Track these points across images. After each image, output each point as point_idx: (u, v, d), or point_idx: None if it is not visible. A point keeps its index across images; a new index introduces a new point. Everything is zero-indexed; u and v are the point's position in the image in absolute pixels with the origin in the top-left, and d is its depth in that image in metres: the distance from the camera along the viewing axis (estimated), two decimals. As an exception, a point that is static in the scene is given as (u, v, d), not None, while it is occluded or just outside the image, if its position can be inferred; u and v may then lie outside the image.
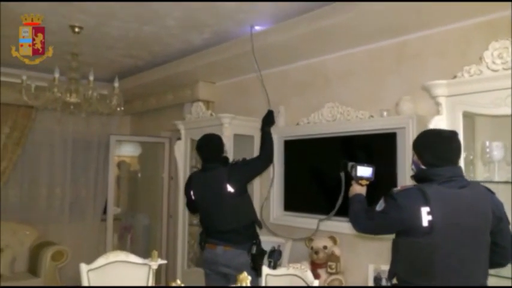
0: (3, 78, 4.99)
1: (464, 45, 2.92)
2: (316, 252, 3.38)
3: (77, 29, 3.63)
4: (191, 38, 3.92)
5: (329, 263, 3.32)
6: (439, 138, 2.03)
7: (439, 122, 2.49)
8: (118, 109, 3.82)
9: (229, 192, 3.09)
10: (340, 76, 3.69)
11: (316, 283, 2.26)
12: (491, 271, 2.09)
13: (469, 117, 2.58)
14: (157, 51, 4.32)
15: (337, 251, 3.36)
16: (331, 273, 3.30)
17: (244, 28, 3.58)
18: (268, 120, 3.50)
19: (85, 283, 2.57)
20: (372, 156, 3.32)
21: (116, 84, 3.75)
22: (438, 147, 1.99)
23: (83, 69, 3.74)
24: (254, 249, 3.11)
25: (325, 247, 3.40)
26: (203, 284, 3.98)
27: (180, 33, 3.79)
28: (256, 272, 2.98)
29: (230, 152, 4.04)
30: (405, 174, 3.04)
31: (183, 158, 4.53)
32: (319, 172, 3.75)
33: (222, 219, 3.11)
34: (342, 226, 3.38)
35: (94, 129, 6.05)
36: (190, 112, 4.54)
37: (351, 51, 3.59)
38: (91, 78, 3.58)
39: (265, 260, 3.85)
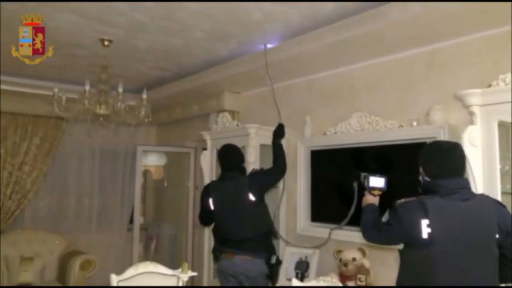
0: (34, 91, 5.12)
1: (497, 53, 2.85)
2: (345, 264, 3.33)
3: (106, 42, 3.70)
4: (217, 49, 3.95)
5: (358, 276, 3.26)
6: (440, 151, 2.05)
7: (473, 132, 2.43)
8: (146, 120, 3.86)
9: (250, 201, 3.16)
10: (367, 85, 3.65)
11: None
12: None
13: (504, 127, 2.51)
14: (184, 62, 4.37)
15: (366, 263, 3.30)
16: (360, 286, 3.24)
17: (270, 39, 3.59)
18: (279, 133, 3.57)
19: (115, 294, 2.58)
20: (401, 167, 3.26)
21: (144, 96, 3.80)
22: (439, 159, 2.01)
23: (112, 81, 3.82)
24: (274, 259, 3.18)
25: (354, 259, 3.34)
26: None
27: (207, 45, 3.82)
28: (272, 280, 3.13)
29: (256, 163, 4.04)
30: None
31: (209, 168, 4.55)
32: (347, 182, 3.69)
33: (241, 228, 3.15)
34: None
35: (121, 140, 6.15)
36: (216, 122, 4.57)
37: (379, 60, 3.56)
38: (120, 90, 3.64)
39: (293, 271, 3.83)
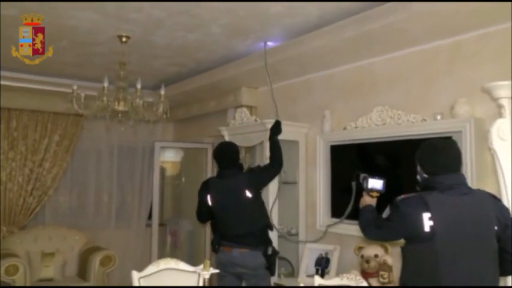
0: (54, 88, 5.16)
1: (525, 43, 2.76)
2: (367, 261, 3.28)
3: (124, 39, 3.69)
4: (235, 44, 3.91)
5: (381, 273, 3.21)
6: (437, 148, 2.13)
7: (502, 125, 2.36)
8: (164, 116, 3.85)
9: (248, 197, 3.27)
10: (389, 79, 3.57)
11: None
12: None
13: (534, 120, 2.43)
14: (201, 58, 4.34)
15: (389, 259, 3.24)
16: (383, 283, 3.18)
17: (288, 33, 3.54)
18: (276, 130, 3.65)
19: (137, 290, 2.58)
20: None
21: (162, 92, 3.78)
22: (437, 157, 2.08)
23: (129, 78, 3.81)
24: (270, 251, 3.29)
25: (376, 256, 3.29)
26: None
27: (224, 40, 3.79)
28: (270, 271, 3.27)
29: (275, 158, 3.99)
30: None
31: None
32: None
33: (240, 223, 3.26)
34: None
35: (139, 136, 6.18)
36: (234, 118, 4.54)
37: (401, 53, 3.47)
38: (138, 86, 3.63)
39: (313, 268, 3.79)
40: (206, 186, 3.46)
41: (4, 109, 5.28)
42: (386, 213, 2.19)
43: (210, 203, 3.37)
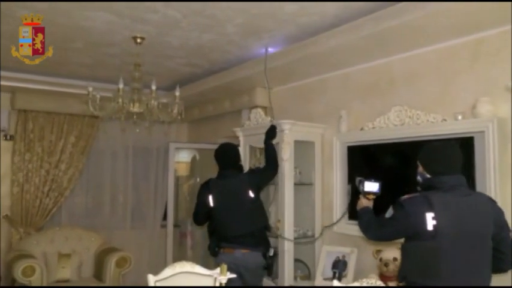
0: (69, 90, 5.19)
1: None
2: (386, 264, 3.20)
3: (139, 40, 3.68)
4: (249, 44, 3.87)
5: (400, 276, 3.12)
6: (442, 149, 2.24)
7: (528, 125, 2.26)
8: (179, 117, 3.83)
9: (250, 198, 3.35)
10: (407, 78, 3.49)
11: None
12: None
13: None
14: (216, 58, 4.31)
15: (408, 263, 3.16)
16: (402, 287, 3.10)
17: (304, 32, 3.48)
18: (271, 134, 3.76)
19: (153, 294, 2.55)
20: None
21: (177, 93, 3.76)
22: (442, 157, 2.18)
23: (144, 79, 3.80)
24: (272, 252, 3.39)
25: (395, 259, 3.21)
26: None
27: (239, 40, 3.75)
28: (268, 271, 3.38)
29: (291, 159, 3.95)
30: (485, 181, 2.82)
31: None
32: (387, 179, 3.55)
33: (242, 223, 3.31)
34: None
35: (153, 137, 6.19)
36: (249, 118, 4.50)
37: (419, 51, 3.39)
38: (153, 87, 3.62)
39: (330, 271, 3.73)
40: (207, 187, 3.48)
41: (21, 111, 5.33)
42: (389, 213, 2.28)
43: (211, 203, 3.39)
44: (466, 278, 2.03)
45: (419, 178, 2.29)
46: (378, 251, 3.35)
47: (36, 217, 5.34)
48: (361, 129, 3.73)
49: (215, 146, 5.86)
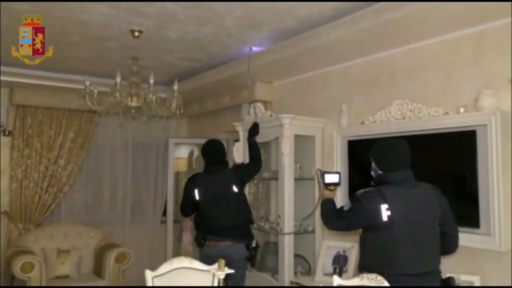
0: (67, 85, 5.15)
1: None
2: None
3: (136, 33, 3.63)
4: (249, 38, 3.82)
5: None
6: (391, 147, 2.40)
7: (533, 118, 2.21)
8: (177, 112, 3.79)
9: (235, 192, 3.49)
10: (408, 71, 3.44)
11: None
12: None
13: None
14: (215, 52, 4.26)
15: (410, 258, 3.12)
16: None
17: (305, 25, 3.43)
18: (254, 131, 3.94)
19: (150, 290, 2.52)
20: (446, 156, 3.07)
21: (176, 87, 3.72)
22: (391, 155, 2.35)
23: (142, 73, 3.75)
24: (254, 243, 3.50)
25: (396, 254, 3.17)
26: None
27: (238, 33, 3.70)
28: (251, 262, 3.53)
29: (291, 154, 3.91)
30: (488, 175, 2.78)
31: (241, 160, 4.44)
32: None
33: (227, 216, 3.44)
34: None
35: (152, 133, 6.14)
36: (249, 113, 4.46)
37: (421, 44, 3.34)
38: (151, 81, 3.57)
39: (330, 266, 3.70)
40: (194, 181, 3.60)
41: (19, 106, 5.29)
42: (347, 205, 2.43)
43: (197, 197, 3.51)
44: (418, 263, 2.22)
45: (372, 173, 2.47)
46: (379, 246, 3.31)
47: (35, 213, 5.32)
48: (362, 123, 3.68)
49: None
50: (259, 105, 4.35)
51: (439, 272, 2.33)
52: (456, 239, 2.38)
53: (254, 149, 3.81)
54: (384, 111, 3.49)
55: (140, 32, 3.63)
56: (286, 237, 3.87)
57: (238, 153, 4.46)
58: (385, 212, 2.21)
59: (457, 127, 2.97)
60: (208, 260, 3.24)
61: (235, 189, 3.49)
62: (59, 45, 4.02)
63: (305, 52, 3.74)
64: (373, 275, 2.21)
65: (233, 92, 5.21)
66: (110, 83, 3.96)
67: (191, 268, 2.65)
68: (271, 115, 4.12)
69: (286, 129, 3.89)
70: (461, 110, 2.96)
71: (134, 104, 3.64)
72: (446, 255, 2.45)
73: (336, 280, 2.34)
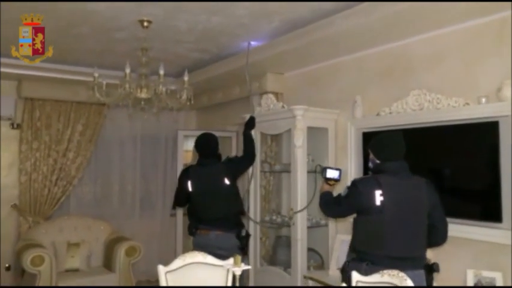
0: (75, 77, 5.09)
1: None
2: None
3: (145, 23, 3.55)
4: (260, 28, 3.72)
5: (419, 267, 3.01)
6: (389, 139, 2.58)
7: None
8: (188, 103, 3.72)
9: (226, 184, 3.56)
10: (426, 61, 3.33)
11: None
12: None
13: None
14: (225, 43, 4.17)
15: (429, 254, 3.03)
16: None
17: (318, 14, 3.33)
18: (250, 124, 4.04)
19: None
20: (466, 149, 2.97)
21: (186, 78, 3.64)
22: (388, 146, 2.53)
23: (151, 65, 3.68)
24: (244, 232, 3.58)
25: (414, 249, 3.09)
26: (277, 283, 3.84)
27: (249, 23, 3.60)
28: (243, 251, 3.55)
29: (304, 146, 3.83)
30: (510, 168, 2.68)
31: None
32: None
33: (217, 207, 3.50)
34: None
35: (161, 125, 6.09)
36: (260, 104, 4.37)
37: (439, 32, 3.23)
38: (161, 72, 3.49)
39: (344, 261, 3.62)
40: (186, 173, 3.69)
41: (27, 99, 5.24)
42: (345, 192, 2.59)
43: (190, 188, 3.59)
44: (404, 247, 2.38)
45: (370, 164, 2.65)
46: (395, 241, 3.23)
47: (45, 206, 5.29)
48: (377, 114, 3.59)
49: (225, 134, 5.86)
50: (271, 96, 4.26)
51: (423, 259, 2.47)
52: (444, 231, 2.52)
53: (249, 142, 3.89)
54: (401, 102, 3.39)
55: (149, 22, 3.55)
56: (299, 231, 3.80)
57: (250, 146, 4.37)
58: (378, 197, 2.37)
59: (478, 118, 2.87)
60: (198, 248, 3.36)
61: (226, 181, 3.56)
62: (67, 37, 3.96)
63: (317, 42, 3.64)
64: (395, 272, 2.14)
65: (243, 84, 5.09)
66: (118, 75, 3.89)
67: (204, 263, 2.59)
68: (283, 106, 4.03)
69: (299, 121, 3.80)
70: (483, 100, 2.86)
71: (144, 95, 3.58)
72: (434, 246, 2.59)
73: (355, 276, 2.27)
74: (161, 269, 2.49)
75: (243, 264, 2.04)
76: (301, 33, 3.64)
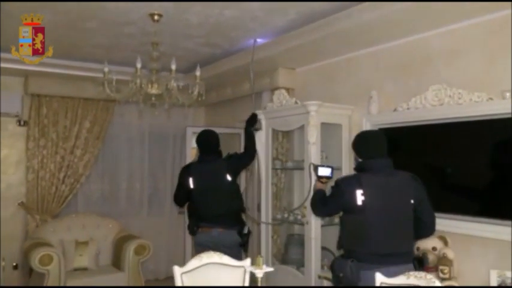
0: (83, 73, 5.02)
1: None
2: (424, 254, 2.99)
3: (156, 17, 3.46)
4: (274, 21, 3.63)
5: (440, 267, 2.92)
6: (369, 137, 2.63)
7: None
8: (199, 99, 3.63)
9: (228, 181, 3.58)
10: (447, 54, 3.23)
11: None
12: None
13: None
14: (237, 37, 4.07)
15: (450, 253, 2.95)
16: (443, 279, 2.90)
17: (338, 6, 3.23)
18: (252, 121, 4.01)
19: (179, 287, 2.38)
20: (490, 145, 2.88)
21: (198, 73, 3.55)
22: (368, 145, 2.57)
23: (161, 60, 3.59)
24: (246, 230, 3.60)
25: (434, 248, 3.01)
26: (291, 283, 3.76)
27: (263, 16, 3.51)
28: (243, 248, 3.61)
29: (318, 143, 3.74)
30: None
31: (264, 149, 4.30)
32: (422, 163, 3.33)
33: (220, 204, 3.52)
34: (452, 225, 3.00)
35: (169, 122, 6.01)
36: (272, 100, 4.28)
37: (462, 25, 3.12)
38: (173, 67, 3.40)
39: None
40: (187, 170, 3.69)
41: (34, 95, 5.17)
42: (329, 191, 2.66)
43: (191, 185, 3.59)
44: (389, 243, 2.40)
45: (354, 162, 2.69)
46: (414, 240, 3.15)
47: (52, 204, 5.22)
48: (394, 110, 3.49)
49: (234, 130, 5.77)
50: (284, 92, 4.17)
51: (411, 253, 2.52)
52: (431, 224, 2.54)
53: (250, 139, 3.89)
54: (419, 97, 3.29)
55: (160, 15, 3.46)
56: (313, 229, 3.72)
57: (261, 143, 4.29)
58: (359, 197, 2.40)
59: (502, 113, 2.76)
60: (200, 246, 3.49)
61: (228, 178, 3.57)
62: (75, 31, 3.88)
63: (333, 35, 3.54)
64: (422, 273, 2.05)
65: (254, 79, 5.01)
66: (127, 70, 3.81)
67: (221, 264, 2.51)
68: (296, 102, 3.93)
69: (313, 117, 3.71)
70: (507, 95, 2.75)
71: (154, 91, 3.48)
72: (421, 238, 2.67)
73: (379, 278, 2.18)
74: (177, 270, 2.41)
75: (264, 266, 1.95)
76: (316, 26, 3.54)
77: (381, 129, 3.59)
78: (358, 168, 2.59)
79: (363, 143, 2.60)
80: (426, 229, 2.55)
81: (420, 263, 2.52)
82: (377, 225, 2.40)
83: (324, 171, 2.91)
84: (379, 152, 2.54)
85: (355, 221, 2.46)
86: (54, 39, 4.05)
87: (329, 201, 2.66)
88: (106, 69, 3.43)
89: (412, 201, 2.45)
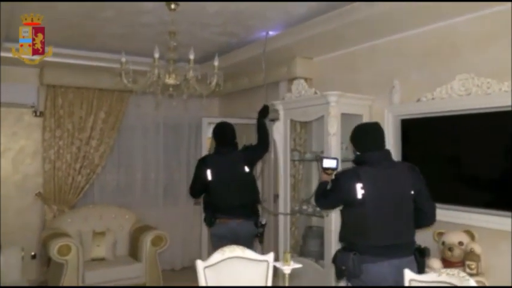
0: (98, 63, 4.98)
1: None
2: (450, 249, 2.92)
3: (173, 6, 3.38)
4: (294, 8, 3.53)
5: (467, 262, 2.85)
6: (366, 130, 2.63)
7: None
8: (217, 89, 3.56)
9: (245, 172, 3.63)
10: (475, 42, 3.12)
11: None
12: None
13: None
14: (254, 25, 3.98)
15: (477, 248, 2.88)
16: (470, 274, 2.81)
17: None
18: (264, 113, 4.01)
19: (202, 281, 2.34)
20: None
21: (216, 63, 3.46)
22: (366, 137, 2.56)
23: (178, 51, 3.52)
24: (264, 220, 3.68)
25: (460, 243, 2.93)
26: (311, 276, 3.72)
27: (281, 5, 3.41)
28: (259, 239, 3.68)
29: (338, 134, 3.66)
30: None
31: (283, 140, 4.24)
32: (448, 156, 3.24)
33: (238, 195, 3.56)
34: (480, 219, 2.92)
35: (184, 112, 5.96)
36: (290, 90, 4.20)
37: (491, 11, 3.00)
38: (191, 57, 3.32)
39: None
40: (204, 163, 3.71)
41: (49, 86, 5.15)
42: (330, 185, 2.67)
43: (209, 177, 3.61)
44: (389, 235, 2.40)
45: (353, 156, 2.69)
46: (440, 234, 3.08)
47: (69, 195, 5.23)
48: (418, 100, 3.39)
49: (250, 121, 5.70)
50: (302, 82, 4.09)
51: (412, 244, 2.51)
52: (431, 214, 2.54)
53: (263, 130, 3.88)
54: (445, 87, 3.19)
55: (177, 4, 3.38)
56: (333, 221, 3.65)
57: (279, 134, 4.23)
58: (359, 191, 2.41)
59: (535, 104, 2.66)
60: (217, 237, 3.57)
61: (245, 169, 3.63)
62: (91, 21, 3.83)
63: (354, 24, 3.44)
64: (455, 271, 1.98)
65: (270, 69, 4.92)
66: (143, 61, 3.74)
67: (244, 258, 2.47)
68: (315, 92, 3.85)
69: (333, 108, 3.63)
70: (540, 85, 2.64)
71: (172, 81, 3.42)
72: (422, 228, 2.63)
73: (408, 274, 2.12)
74: (200, 264, 2.37)
75: (292, 263, 1.90)
76: (337, 14, 3.44)
77: (403, 120, 3.52)
78: (357, 161, 2.60)
79: (361, 136, 2.60)
80: (426, 219, 2.55)
81: (421, 254, 2.50)
82: (377, 217, 2.41)
83: (329, 163, 2.89)
84: (377, 144, 2.55)
85: (356, 214, 2.47)
86: (70, 29, 4.02)
87: (329, 194, 2.66)
88: (123, 60, 3.37)
89: (412, 192, 2.46)
